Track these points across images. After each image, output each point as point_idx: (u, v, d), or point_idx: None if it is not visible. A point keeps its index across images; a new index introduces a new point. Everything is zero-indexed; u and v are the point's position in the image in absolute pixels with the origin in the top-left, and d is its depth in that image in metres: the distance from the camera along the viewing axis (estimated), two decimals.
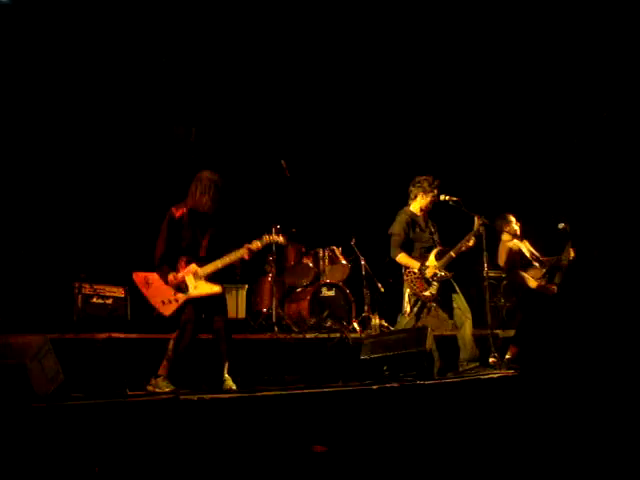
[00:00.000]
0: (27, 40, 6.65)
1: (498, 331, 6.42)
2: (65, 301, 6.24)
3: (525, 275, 6.25)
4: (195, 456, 3.17)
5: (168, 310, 4.54)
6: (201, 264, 4.64)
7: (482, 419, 3.75)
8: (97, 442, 3.17)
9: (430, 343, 5.00)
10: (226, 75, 7.81)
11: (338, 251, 7.32)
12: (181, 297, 4.57)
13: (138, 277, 4.63)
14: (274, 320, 6.55)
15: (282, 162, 6.89)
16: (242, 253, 4.66)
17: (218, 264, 4.63)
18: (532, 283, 6.26)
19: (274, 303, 6.67)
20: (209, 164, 7.74)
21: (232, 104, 8.00)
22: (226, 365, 4.70)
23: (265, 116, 8.15)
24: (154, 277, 4.60)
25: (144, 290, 4.60)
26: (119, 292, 6.30)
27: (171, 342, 4.64)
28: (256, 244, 4.71)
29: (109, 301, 6.20)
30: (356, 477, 3.02)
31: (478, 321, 5.86)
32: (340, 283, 7.10)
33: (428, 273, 5.52)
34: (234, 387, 4.64)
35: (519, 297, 6.44)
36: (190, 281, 4.59)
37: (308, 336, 6.28)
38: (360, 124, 8.47)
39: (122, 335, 5.53)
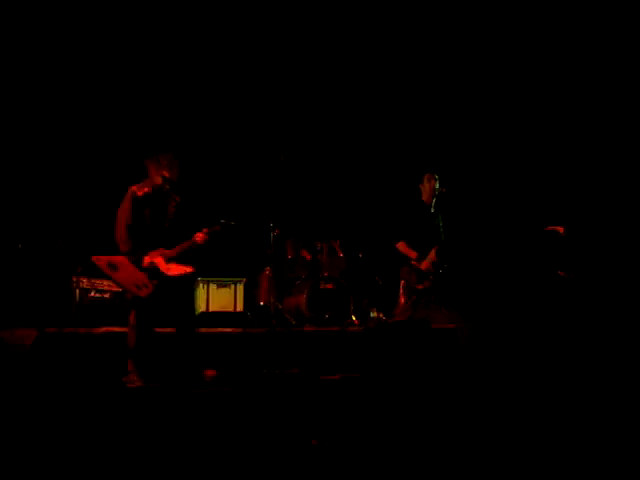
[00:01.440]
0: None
1: None
2: (63, 295, 6.24)
3: None
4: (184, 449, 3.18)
5: (144, 292, 4.48)
6: (167, 246, 4.67)
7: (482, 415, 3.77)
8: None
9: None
10: (222, 68, 7.78)
11: (336, 244, 7.32)
12: (155, 280, 4.54)
13: (101, 261, 4.48)
14: (272, 313, 6.55)
15: (280, 156, 6.88)
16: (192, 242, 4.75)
17: (185, 246, 4.70)
18: None
19: (272, 296, 6.67)
20: (207, 159, 7.78)
21: (228, 98, 7.97)
22: (189, 360, 4.68)
23: (262, 110, 8.12)
24: (119, 260, 4.50)
25: (111, 274, 4.49)
26: (117, 286, 6.29)
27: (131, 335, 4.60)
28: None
29: (107, 295, 6.19)
30: (349, 467, 3.03)
31: None
32: (338, 276, 7.09)
33: (423, 266, 5.55)
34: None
35: None
36: (161, 263, 4.61)
37: (306, 329, 6.29)
38: (358, 116, 8.44)
39: (120, 329, 5.52)
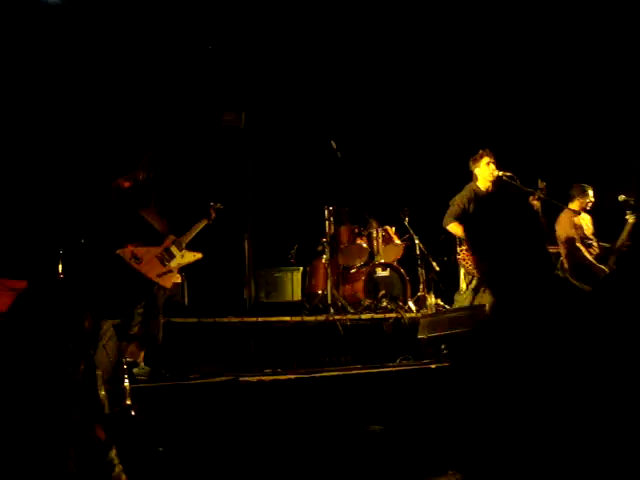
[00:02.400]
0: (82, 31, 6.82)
1: None
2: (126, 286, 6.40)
3: (583, 249, 6.09)
4: (253, 436, 3.22)
5: (168, 282, 4.54)
6: (174, 235, 4.75)
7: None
8: (160, 423, 3.26)
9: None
10: (273, 57, 7.80)
11: (392, 231, 7.24)
12: (174, 267, 4.61)
13: (125, 254, 4.45)
14: (329, 302, 6.55)
15: (332, 143, 6.84)
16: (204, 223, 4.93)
17: (192, 233, 4.81)
18: (590, 257, 6.10)
19: (329, 285, 6.66)
20: (260, 149, 7.82)
21: (280, 87, 7.98)
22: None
23: (314, 97, 8.10)
24: (140, 251, 4.49)
25: (136, 266, 4.45)
26: (177, 278, 6.41)
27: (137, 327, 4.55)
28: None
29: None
30: (412, 456, 3.01)
31: None
32: (394, 263, 7.02)
33: None
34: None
35: (578, 272, 6.21)
36: (175, 251, 4.65)
37: (364, 317, 6.27)
38: (412, 100, 8.32)
39: (180, 319, 5.63)
